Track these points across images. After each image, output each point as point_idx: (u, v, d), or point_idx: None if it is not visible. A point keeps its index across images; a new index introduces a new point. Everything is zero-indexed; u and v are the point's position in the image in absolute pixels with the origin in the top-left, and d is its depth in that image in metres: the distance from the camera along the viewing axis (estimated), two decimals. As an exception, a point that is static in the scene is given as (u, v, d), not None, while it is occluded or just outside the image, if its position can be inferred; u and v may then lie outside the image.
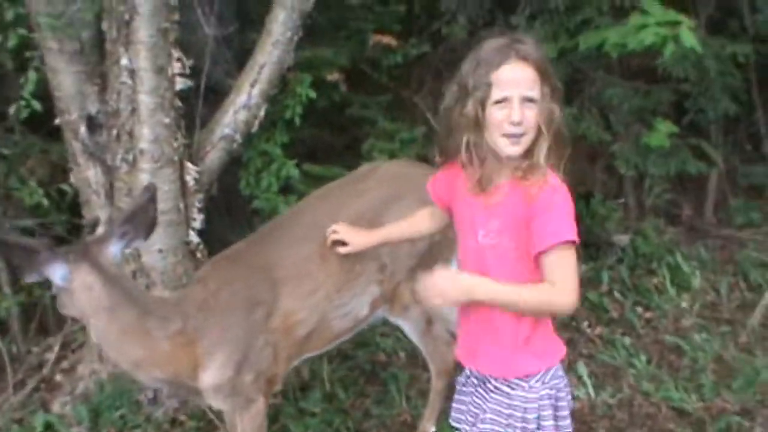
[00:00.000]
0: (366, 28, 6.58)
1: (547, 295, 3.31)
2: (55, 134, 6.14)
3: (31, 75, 5.26)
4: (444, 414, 5.06)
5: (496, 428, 3.59)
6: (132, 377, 4.34)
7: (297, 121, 5.93)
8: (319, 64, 5.98)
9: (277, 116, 5.89)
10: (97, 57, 5.32)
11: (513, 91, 3.24)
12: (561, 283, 3.28)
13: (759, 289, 6.40)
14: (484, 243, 3.45)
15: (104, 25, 5.12)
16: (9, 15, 5.26)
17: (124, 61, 5.00)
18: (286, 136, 6.00)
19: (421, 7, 7.13)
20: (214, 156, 5.49)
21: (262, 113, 5.54)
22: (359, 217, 4.38)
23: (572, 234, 3.26)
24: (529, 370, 3.53)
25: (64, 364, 5.93)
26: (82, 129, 5.28)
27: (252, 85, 5.44)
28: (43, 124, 6.15)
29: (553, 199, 3.29)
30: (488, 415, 3.61)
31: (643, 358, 5.65)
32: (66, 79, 5.22)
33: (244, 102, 5.45)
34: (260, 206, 6.01)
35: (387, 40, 6.44)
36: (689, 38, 5.37)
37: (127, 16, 4.94)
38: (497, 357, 3.54)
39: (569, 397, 3.68)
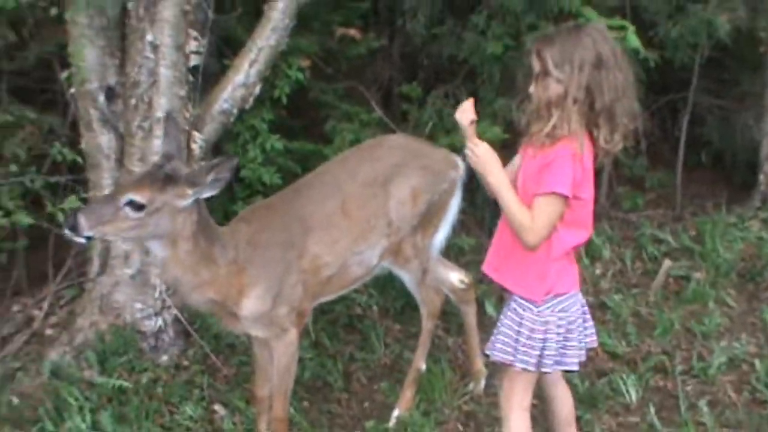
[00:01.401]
0: (333, 21, 6.99)
1: (522, 223, 4.08)
2: (47, 106, 6.49)
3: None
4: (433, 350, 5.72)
5: (507, 348, 4.29)
6: (185, 299, 4.80)
7: (284, 100, 6.34)
8: (292, 51, 6.29)
9: (266, 95, 6.24)
10: (119, 33, 5.69)
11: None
12: (533, 223, 4.06)
13: (656, 260, 7.12)
14: (519, 185, 4.22)
15: (130, 5, 5.54)
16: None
17: (149, 37, 5.47)
18: (271, 114, 6.38)
19: (383, 4, 7.57)
20: (211, 128, 5.86)
21: (257, 91, 5.91)
22: (373, 179, 5.05)
23: (555, 188, 3.98)
24: (533, 295, 4.22)
25: (54, 319, 6.26)
26: (101, 98, 5.65)
27: (250, 66, 5.81)
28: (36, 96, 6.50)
29: (552, 159, 4.04)
30: (502, 329, 4.33)
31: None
32: (90, 52, 5.58)
33: (242, 81, 5.82)
34: (246, 175, 6.32)
35: (352, 32, 6.83)
36: (634, 40, 6.01)
37: (154, -4, 5.43)
38: (517, 274, 4.27)
39: (589, 333, 4.40)
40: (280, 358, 4.75)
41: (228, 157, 4.30)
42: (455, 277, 5.57)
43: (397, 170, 5.12)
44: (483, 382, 5.67)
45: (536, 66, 4.08)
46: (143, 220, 4.14)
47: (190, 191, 4.20)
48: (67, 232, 4.15)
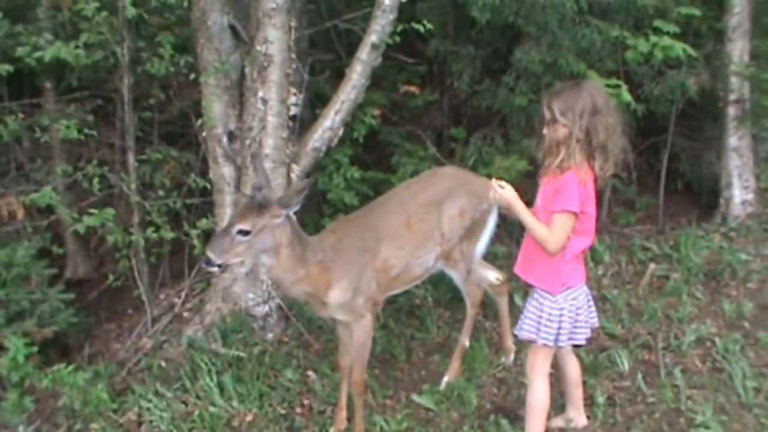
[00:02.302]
0: (398, 80, 7.07)
1: (542, 237, 4.15)
2: (185, 146, 6.55)
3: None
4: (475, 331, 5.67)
5: (531, 328, 4.37)
6: (286, 292, 4.95)
7: (360, 140, 6.36)
8: (367, 103, 6.33)
9: (347, 136, 6.26)
10: (238, 90, 5.77)
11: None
12: (553, 235, 4.13)
13: (644, 264, 7.03)
14: (539, 204, 4.29)
15: (247, 70, 5.61)
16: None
17: (260, 94, 5.54)
18: (351, 151, 6.43)
19: (437, 66, 7.55)
20: (306, 161, 5.87)
21: (340, 134, 5.94)
22: (429, 201, 5.07)
23: (564, 206, 4.06)
24: (551, 288, 4.28)
25: (189, 305, 6.31)
26: (224, 139, 5.72)
27: (335, 114, 5.82)
28: (177, 139, 6.57)
29: (564, 184, 4.10)
30: (528, 314, 4.39)
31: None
32: (217, 106, 5.68)
33: (329, 125, 5.83)
34: (331, 197, 6.37)
35: (412, 89, 6.88)
36: (626, 96, 6.03)
37: (265, 64, 5.49)
38: (539, 273, 4.31)
39: (592, 316, 4.44)
40: (358, 337, 4.73)
41: (306, 181, 4.42)
42: (492, 275, 5.52)
43: (448, 194, 5.12)
44: (512, 356, 5.64)
45: (547, 114, 4.13)
46: (251, 241, 4.21)
47: (282, 211, 4.25)
48: (204, 266, 4.27)
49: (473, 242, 5.27)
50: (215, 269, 4.39)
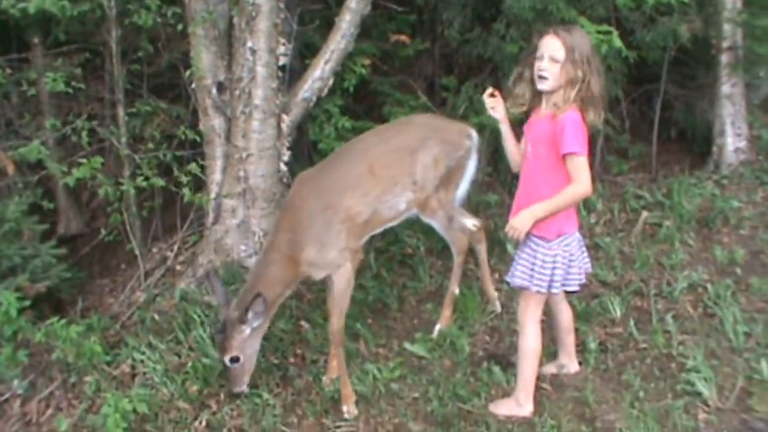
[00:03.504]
0: (388, 29, 6.98)
1: (571, 193, 4.11)
2: (175, 99, 6.51)
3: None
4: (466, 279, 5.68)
5: (524, 275, 4.35)
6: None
7: (351, 89, 6.31)
8: (357, 53, 6.29)
9: (337, 86, 6.22)
10: (226, 41, 5.73)
11: (545, 52, 4.04)
12: (576, 178, 4.06)
13: (636, 212, 7.02)
14: (530, 150, 4.25)
15: (235, 20, 5.57)
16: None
17: (249, 44, 5.52)
18: (341, 100, 6.38)
19: (427, 15, 7.47)
20: (296, 112, 5.87)
21: (330, 83, 5.94)
22: (400, 146, 5.00)
23: (577, 148, 4.01)
24: (547, 234, 4.26)
25: (181, 258, 6.31)
26: (214, 90, 5.69)
27: (325, 64, 5.82)
28: (167, 91, 6.52)
29: (566, 124, 4.03)
30: (521, 261, 4.37)
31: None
32: (206, 57, 5.66)
33: (319, 75, 5.84)
34: (322, 147, 6.31)
35: (403, 38, 6.81)
36: (618, 42, 5.93)
37: (253, 13, 5.46)
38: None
39: (585, 262, 4.47)
40: (337, 286, 4.75)
41: (255, 297, 4.43)
42: (470, 222, 5.42)
43: (422, 142, 5.03)
44: (498, 304, 5.63)
45: (560, 53, 4.02)
46: (244, 359, 4.58)
47: (245, 327, 4.53)
48: (240, 395, 4.73)
49: (451, 190, 5.20)
50: (245, 391, 4.72)
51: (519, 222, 4.16)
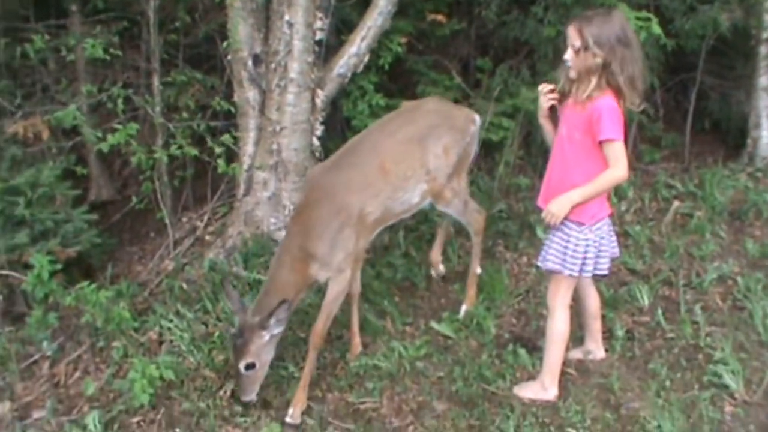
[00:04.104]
0: (425, 8, 6.89)
1: (609, 178, 4.09)
2: (210, 70, 6.51)
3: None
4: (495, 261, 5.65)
5: (557, 259, 4.33)
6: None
7: (386, 67, 6.28)
8: (393, 31, 6.27)
9: (372, 63, 6.18)
10: (264, 13, 5.72)
11: (568, 41, 4.07)
12: (614, 163, 4.04)
13: (667, 201, 6.97)
14: (564, 134, 4.21)
15: None
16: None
17: (286, 17, 5.52)
18: (376, 78, 6.35)
19: None
20: (331, 87, 5.86)
21: (365, 60, 5.92)
22: (410, 138, 4.86)
23: (614, 135, 3.99)
24: (582, 218, 4.23)
25: (211, 228, 6.33)
26: (250, 63, 5.67)
27: (361, 41, 5.82)
28: (202, 62, 6.52)
29: (602, 111, 4.01)
30: (552, 245, 4.34)
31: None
32: (243, 29, 5.64)
33: (355, 52, 5.83)
34: (355, 124, 6.30)
35: (439, 17, 6.73)
36: (657, 29, 5.86)
37: (290, -14, 5.39)
38: None
39: (613, 247, 4.42)
40: (332, 290, 4.66)
41: (282, 303, 4.35)
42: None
43: (430, 130, 4.91)
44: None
45: (576, 41, 4.01)
46: (259, 366, 4.50)
47: (265, 333, 4.43)
48: (245, 402, 4.61)
49: (463, 177, 5.15)
50: (253, 399, 4.60)
51: (557, 207, 4.14)
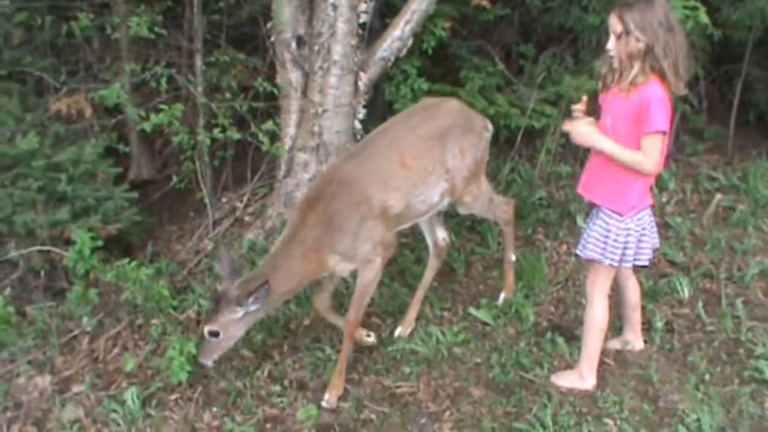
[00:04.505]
0: None
1: (638, 160, 4.04)
2: (253, 51, 6.51)
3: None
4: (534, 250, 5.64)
5: (596, 248, 4.30)
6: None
7: (429, 51, 6.23)
8: (437, 15, 6.20)
9: (416, 47, 6.14)
10: None
11: (609, 29, 4.06)
12: (649, 156, 4.00)
13: (709, 193, 6.91)
14: (608, 123, 4.16)
15: None
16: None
17: (330, 0, 5.38)
18: (419, 62, 6.31)
19: None
20: (373, 70, 5.81)
21: (409, 44, 5.86)
22: (431, 135, 4.77)
23: (661, 126, 3.96)
24: (621, 209, 4.20)
25: (250, 209, 6.33)
26: (293, 44, 5.64)
27: (405, 24, 5.74)
28: (245, 43, 6.52)
29: (651, 100, 3.97)
30: (592, 234, 4.31)
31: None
32: (287, 10, 5.57)
33: (398, 35, 5.76)
34: (398, 108, 6.20)
35: (483, 2, 6.60)
36: (704, 18, 5.79)
37: (336, -31, 5.36)
38: (608, 193, 4.23)
39: (654, 238, 4.39)
40: (363, 278, 4.59)
41: (262, 284, 4.27)
42: (441, 235, 5.30)
43: (450, 130, 4.84)
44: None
45: (618, 27, 3.99)
46: (226, 336, 4.43)
47: (239, 309, 4.34)
48: (203, 366, 4.59)
49: (482, 180, 5.10)
50: (210, 365, 4.57)
51: (586, 132, 4.14)
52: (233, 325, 4.39)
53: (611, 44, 4.04)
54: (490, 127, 5.14)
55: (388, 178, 4.58)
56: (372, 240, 4.52)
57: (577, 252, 4.47)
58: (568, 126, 4.23)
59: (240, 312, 4.34)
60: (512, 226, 5.36)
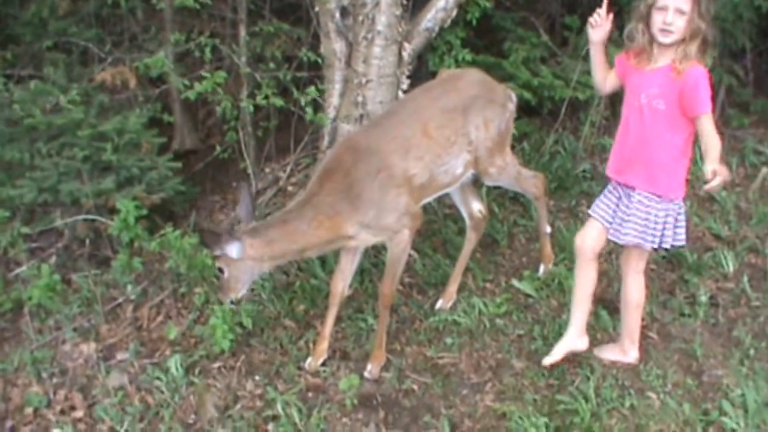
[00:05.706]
0: None
1: (719, 148, 3.95)
2: (297, 21, 6.48)
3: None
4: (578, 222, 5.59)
5: (636, 229, 4.21)
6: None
7: (473, 22, 6.14)
8: None
9: (460, 18, 6.02)
10: None
11: (669, 4, 3.89)
12: (715, 134, 3.97)
13: (755, 167, 6.82)
14: (644, 103, 4.03)
15: None
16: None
17: (375, -30, 5.36)
18: (463, 33, 6.21)
19: None
20: (417, 41, 5.73)
21: (453, 14, 5.78)
22: (453, 106, 4.70)
23: (710, 107, 3.92)
24: (663, 192, 4.14)
25: (294, 179, 6.34)
26: (337, 14, 5.58)
27: None
28: (289, 13, 6.49)
29: (699, 80, 3.90)
30: (629, 224, 4.21)
31: (688, 203, 6.02)
32: None
33: (443, 6, 5.68)
34: (442, 79, 6.18)
35: (528, -27, 6.58)
36: None
37: (380, -62, 5.30)
38: (646, 176, 4.15)
39: (684, 219, 4.27)
40: (392, 252, 4.53)
41: (228, 232, 4.32)
42: (476, 207, 5.24)
43: (473, 100, 4.77)
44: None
45: (686, 5, 3.88)
46: (227, 276, 4.35)
47: (229, 248, 4.28)
48: (224, 301, 4.52)
49: (507, 152, 5.02)
50: (232, 305, 4.55)
51: (724, 172, 3.90)
52: (232, 265, 4.29)
53: (671, 18, 3.91)
54: (514, 97, 5.08)
55: (410, 147, 4.50)
56: (397, 210, 4.45)
57: (611, 238, 4.34)
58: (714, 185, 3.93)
59: (233, 252, 4.26)
60: (543, 200, 5.30)
